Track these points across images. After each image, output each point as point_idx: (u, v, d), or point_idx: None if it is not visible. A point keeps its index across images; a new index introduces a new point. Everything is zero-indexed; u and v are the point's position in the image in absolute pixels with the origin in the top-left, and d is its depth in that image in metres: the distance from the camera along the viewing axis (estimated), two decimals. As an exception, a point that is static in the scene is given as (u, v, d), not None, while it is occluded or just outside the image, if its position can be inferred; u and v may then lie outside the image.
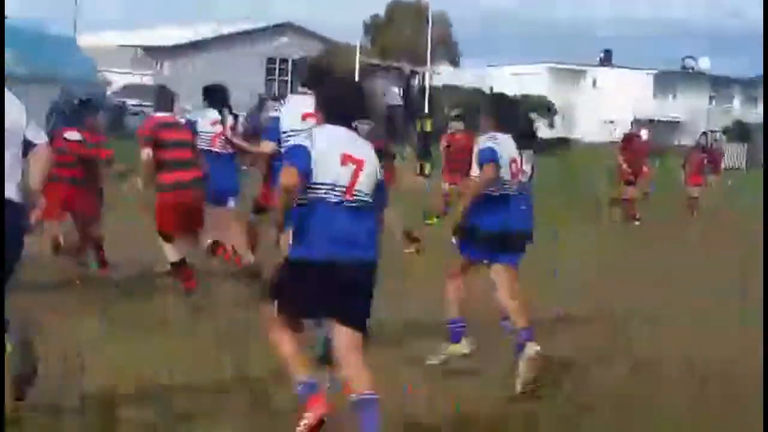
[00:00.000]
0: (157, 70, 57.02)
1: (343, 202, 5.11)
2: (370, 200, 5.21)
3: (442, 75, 57.94)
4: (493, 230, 7.04)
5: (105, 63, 47.72)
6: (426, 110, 36.52)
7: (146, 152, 8.59)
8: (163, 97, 9.23)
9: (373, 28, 57.11)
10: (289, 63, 61.31)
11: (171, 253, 8.73)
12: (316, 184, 5.08)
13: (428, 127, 27.22)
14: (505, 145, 7.18)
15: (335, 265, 5.05)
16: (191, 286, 8.71)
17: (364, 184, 5.19)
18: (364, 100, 5.90)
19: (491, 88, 69.39)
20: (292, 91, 10.78)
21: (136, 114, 41.06)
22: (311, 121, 6.12)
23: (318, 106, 5.47)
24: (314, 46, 61.30)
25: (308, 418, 5.03)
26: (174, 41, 57.74)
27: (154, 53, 58.59)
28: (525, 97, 56.11)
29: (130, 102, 44.93)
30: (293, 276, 5.13)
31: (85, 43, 48.77)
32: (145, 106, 42.25)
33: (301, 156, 5.10)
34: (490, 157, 7.00)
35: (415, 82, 60.46)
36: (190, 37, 58.45)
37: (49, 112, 13.04)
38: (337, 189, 5.10)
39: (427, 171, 17.68)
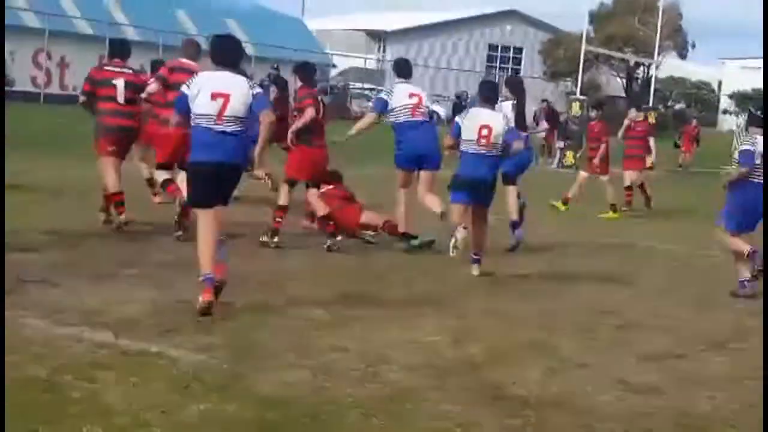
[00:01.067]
0: (380, 54, 57.77)
1: None
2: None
3: (668, 66, 55.90)
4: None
5: (330, 46, 48.80)
6: (650, 102, 35.19)
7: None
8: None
9: (599, 16, 55.68)
10: (511, 51, 60.96)
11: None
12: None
13: (652, 119, 26.19)
14: (759, 144, 9.03)
15: None
16: None
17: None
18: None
19: (719, 83, 66.73)
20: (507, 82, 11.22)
21: (357, 97, 41.81)
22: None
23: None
24: (538, 34, 60.57)
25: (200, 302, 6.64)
26: (397, 26, 58.30)
27: (378, 37, 59.39)
28: (755, 91, 53.47)
29: (355, 85, 45.70)
30: None
31: (312, 27, 50.09)
32: (367, 89, 42.99)
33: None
34: (747, 160, 9.03)
35: (640, 73, 58.66)
36: (414, 22, 58.85)
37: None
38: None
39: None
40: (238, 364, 5.63)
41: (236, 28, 40.13)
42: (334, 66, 46.24)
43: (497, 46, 60.57)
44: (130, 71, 10.27)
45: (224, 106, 6.85)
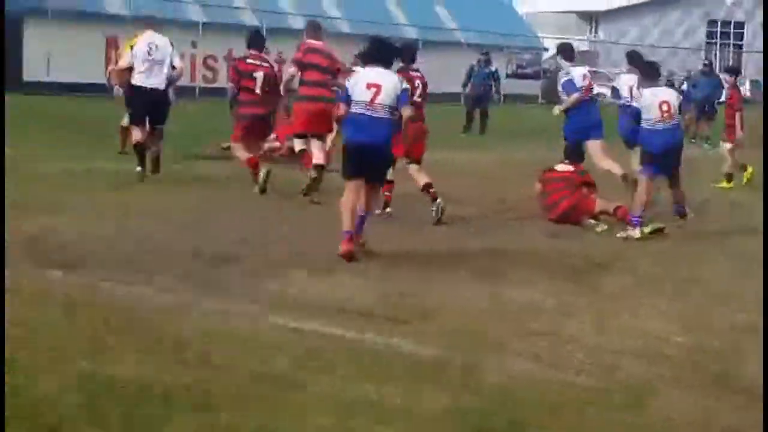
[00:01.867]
0: (591, 35, 56.62)
1: None
2: None
3: None
4: None
5: (541, 29, 48.14)
6: None
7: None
8: None
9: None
10: (731, 25, 58.24)
11: None
12: None
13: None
14: None
15: None
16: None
17: None
18: None
19: None
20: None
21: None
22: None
23: None
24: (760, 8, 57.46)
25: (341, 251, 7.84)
26: (608, 5, 56.93)
27: (589, 18, 58.18)
28: None
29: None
30: None
31: (522, 10, 49.54)
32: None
33: None
34: None
35: None
36: (625, 2, 57.30)
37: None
38: None
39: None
40: (465, 354, 5.60)
41: (446, 16, 40.27)
42: (545, 49, 45.56)
43: (716, 22, 57.98)
44: (267, 64, 11.46)
45: (375, 94, 8.09)
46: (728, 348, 6.05)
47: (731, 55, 54.82)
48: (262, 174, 10.97)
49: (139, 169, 11.59)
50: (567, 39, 49.28)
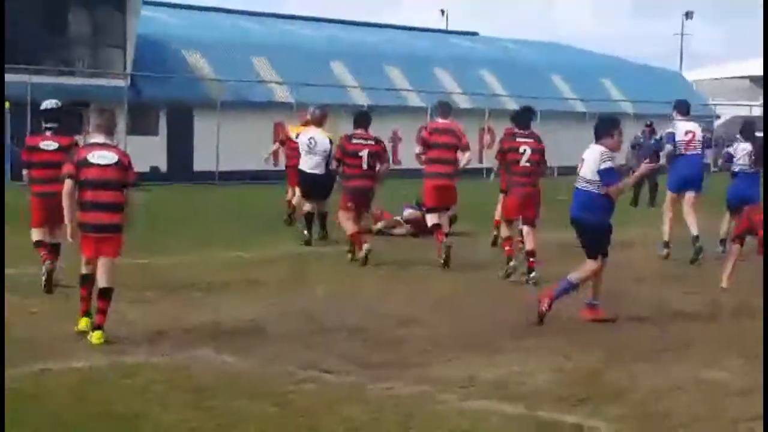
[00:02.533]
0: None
1: None
2: None
3: None
4: None
5: (712, 97, 46.90)
6: None
7: None
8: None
9: None
10: None
11: None
12: None
13: None
14: None
15: None
16: None
17: None
18: None
19: None
20: None
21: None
22: None
23: None
24: None
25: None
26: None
27: (761, 82, 56.33)
28: None
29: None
30: None
31: (691, 77, 48.45)
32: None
33: None
34: None
35: None
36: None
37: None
38: None
39: None
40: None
41: (611, 86, 39.76)
42: (717, 117, 44.22)
43: None
44: (373, 142, 11.95)
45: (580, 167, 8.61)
46: None
47: None
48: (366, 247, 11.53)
49: (305, 233, 13.10)
50: (742, 105, 48.00)
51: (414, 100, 33.48)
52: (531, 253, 10.33)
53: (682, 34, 62.98)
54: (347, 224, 11.81)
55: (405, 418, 5.50)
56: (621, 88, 39.81)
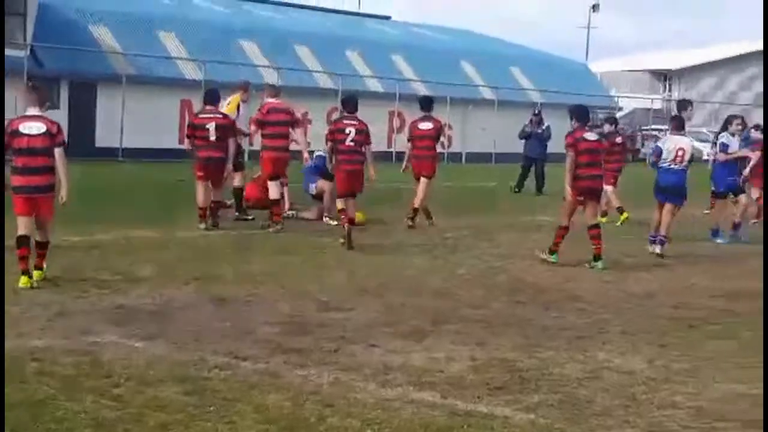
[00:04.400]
0: (666, 93, 56.10)
1: None
2: None
3: None
4: None
5: (614, 88, 47.79)
6: None
7: None
8: None
9: None
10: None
11: None
12: None
13: None
14: None
15: None
16: None
17: None
18: None
19: None
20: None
21: (646, 138, 40.52)
22: None
23: None
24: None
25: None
26: (682, 64, 56.72)
27: (663, 76, 57.72)
28: None
29: (645, 126, 44.46)
30: None
31: (595, 69, 49.24)
32: (654, 130, 41.52)
33: None
34: None
35: None
36: (702, 58, 56.94)
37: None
38: None
39: None
40: (568, 424, 5.23)
41: (520, 75, 40.14)
42: (620, 109, 45.07)
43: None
44: (220, 115, 12.79)
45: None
46: None
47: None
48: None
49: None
50: (642, 97, 49.02)
51: (326, 81, 33.22)
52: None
53: (588, 27, 63.88)
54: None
55: (321, 407, 5.36)
56: (529, 78, 40.23)
